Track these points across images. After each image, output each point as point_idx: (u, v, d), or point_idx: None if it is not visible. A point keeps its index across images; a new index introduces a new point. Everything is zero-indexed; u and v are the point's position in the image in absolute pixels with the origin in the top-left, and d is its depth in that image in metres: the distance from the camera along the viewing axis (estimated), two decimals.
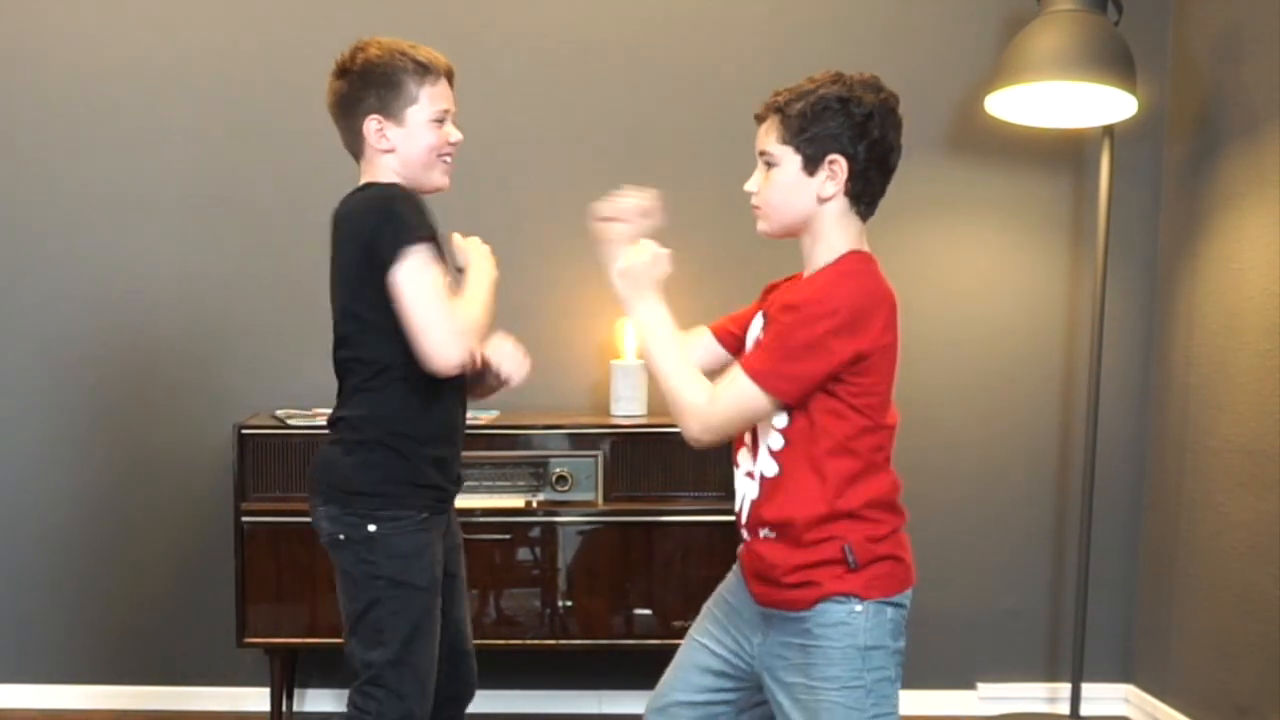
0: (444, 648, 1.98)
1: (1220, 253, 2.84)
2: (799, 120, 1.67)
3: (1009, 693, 3.19)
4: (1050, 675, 3.21)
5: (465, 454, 2.73)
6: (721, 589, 1.88)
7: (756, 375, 1.63)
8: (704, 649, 1.84)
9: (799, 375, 1.62)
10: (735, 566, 1.87)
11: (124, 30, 3.07)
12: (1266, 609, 2.62)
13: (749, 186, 1.76)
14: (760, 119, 1.75)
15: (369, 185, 1.90)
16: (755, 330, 1.82)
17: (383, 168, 1.90)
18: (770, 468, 1.72)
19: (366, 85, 1.87)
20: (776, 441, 1.71)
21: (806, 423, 1.67)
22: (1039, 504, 3.19)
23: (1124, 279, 3.11)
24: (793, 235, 1.74)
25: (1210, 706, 2.84)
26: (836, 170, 1.67)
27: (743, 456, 1.78)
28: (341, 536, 1.88)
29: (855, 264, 1.69)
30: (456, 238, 1.99)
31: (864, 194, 1.70)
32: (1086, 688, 2.99)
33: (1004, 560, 3.18)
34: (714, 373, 1.85)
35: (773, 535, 1.71)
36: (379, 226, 1.79)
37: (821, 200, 1.68)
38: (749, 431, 1.75)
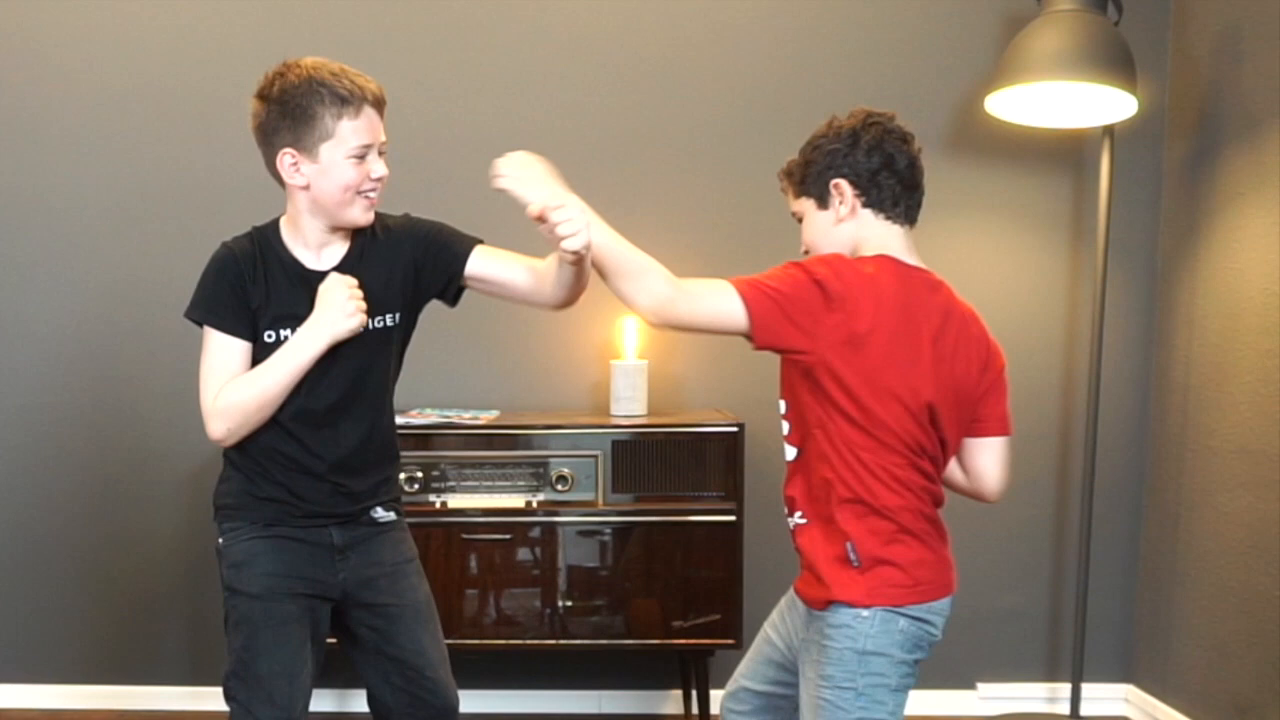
0: (396, 676, 1.95)
1: (1220, 253, 2.84)
2: (800, 171, 1.81)
3: (1009, 693, 3.19)
4: (1050, 675, 3.21)
5: (466, 454, 2.76)
6: (794, 583, 1.88)
7: (740, 284, 1.65)
8: (769, 640, 1.89)
9: (774, 304, 1.63)
10: None
11: (123, 32, 3.08)
12: (1266, 609, 2.62)
13: (802, 248, 1.84)
14: (783, 190, 1.88)
15: (248, 233, 1.93)
16: None
17: (296, 201, 1.86)
18: (789, 451, 1.78)
19: (282, 115, 1.77)
20: (784, 426, 1.78)
21: (798, 411, 1.72)
22: (1039, 504, 3.19)
23: (1124, 279, 3.11)
24: None
25: (1210, 706, 2.84)
26: (842, 190, 1.76)
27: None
28: (215, 551, 1.96)
29: (871, 259, 1.73)
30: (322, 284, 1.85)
31: (885, 199, 1.76)
32: (1086, 688, 2.99)
33: (1004, 560, 3.18)
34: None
35: (802, 520, 1.75)
36: (198, 283, 1.87)
37: (841, 221, 1.77)
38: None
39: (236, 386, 1.82)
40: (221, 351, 1.83)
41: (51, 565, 3.16)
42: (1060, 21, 2.68)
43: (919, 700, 3.06)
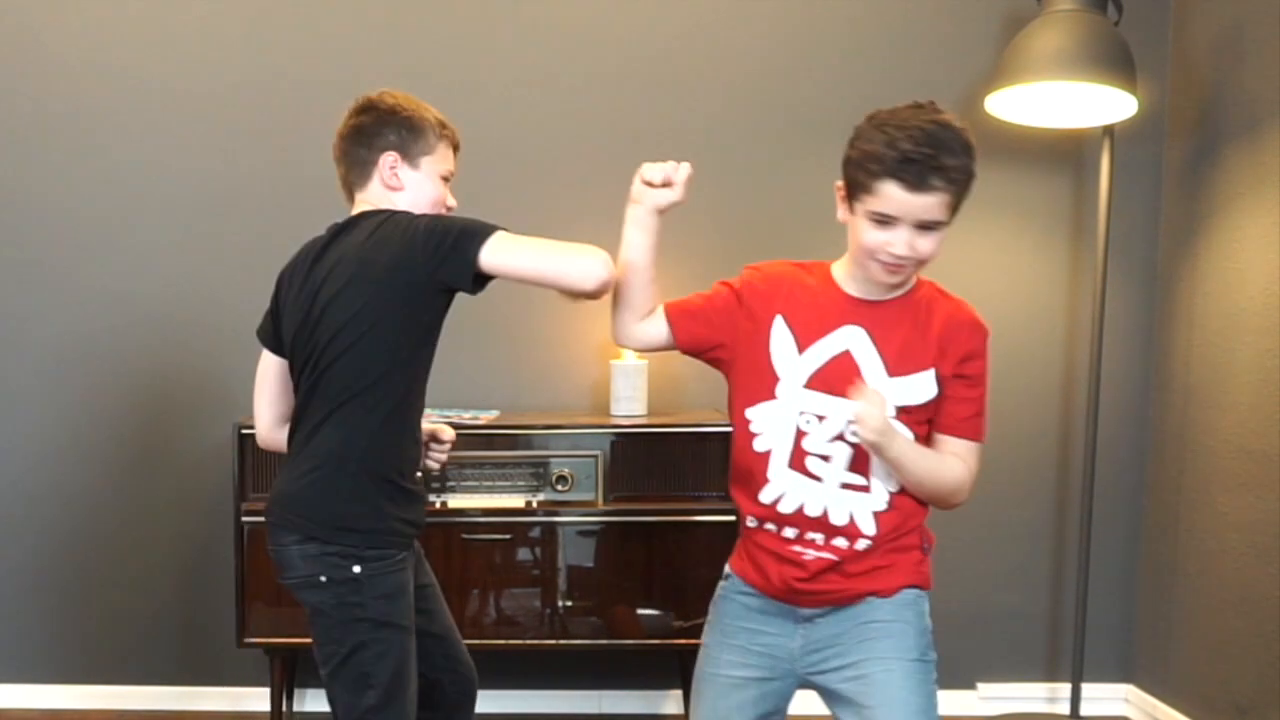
0: (440, 657, 1.99)
1: (1220, 253, 2.84)
2: (968, 185, 1.70)
3: (1009, 693, 3.19)
4: (1050, 675, 3.21)
5: (465, 454, 2.77)
6: (720, 620, 1.88)
7: (982, 435, 1.83)
8: (735, 682, 1.84)
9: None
10: (730, 591, 1.89)
11: (127, 37, 3.07)
12: (1266, 609, 2.62)
13: (902, 250, 1.72)
14: (932, 188, 1.69)
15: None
16: (783, 342, 1.77)
17: (384, 206, 1.89)
18: (894, 483, 1.77)
19: (390, 124, 1.90)
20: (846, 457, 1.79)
21: (921, 442, 1.78)
22: (1039, 504, 3.19)
23: (1124, 279, 3.11)
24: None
25: (1210, 706, 2.84)
26: (837, 194, 1.76)
27: (828, 468, 1.75)
28: (323, 578, 1.80)
29: (944, 289, 1.83)
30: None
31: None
32: (1086, 688, 2.99)
33: (1004, 560, 3.18)
34: (644, 347, 1.88)
35: (891, 543, 1.78)
36: (447, 229, 1.76)
37: (842, 221, 1.76)
38: (836, 439, 1.76)
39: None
40: None
41: (52, 565, 3.16)
42: (1060, 21, 2.68)
43: None
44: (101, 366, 3.12)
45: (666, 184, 1.79)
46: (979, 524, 3.11)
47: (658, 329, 1.83)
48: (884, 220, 1.67)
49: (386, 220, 1.81)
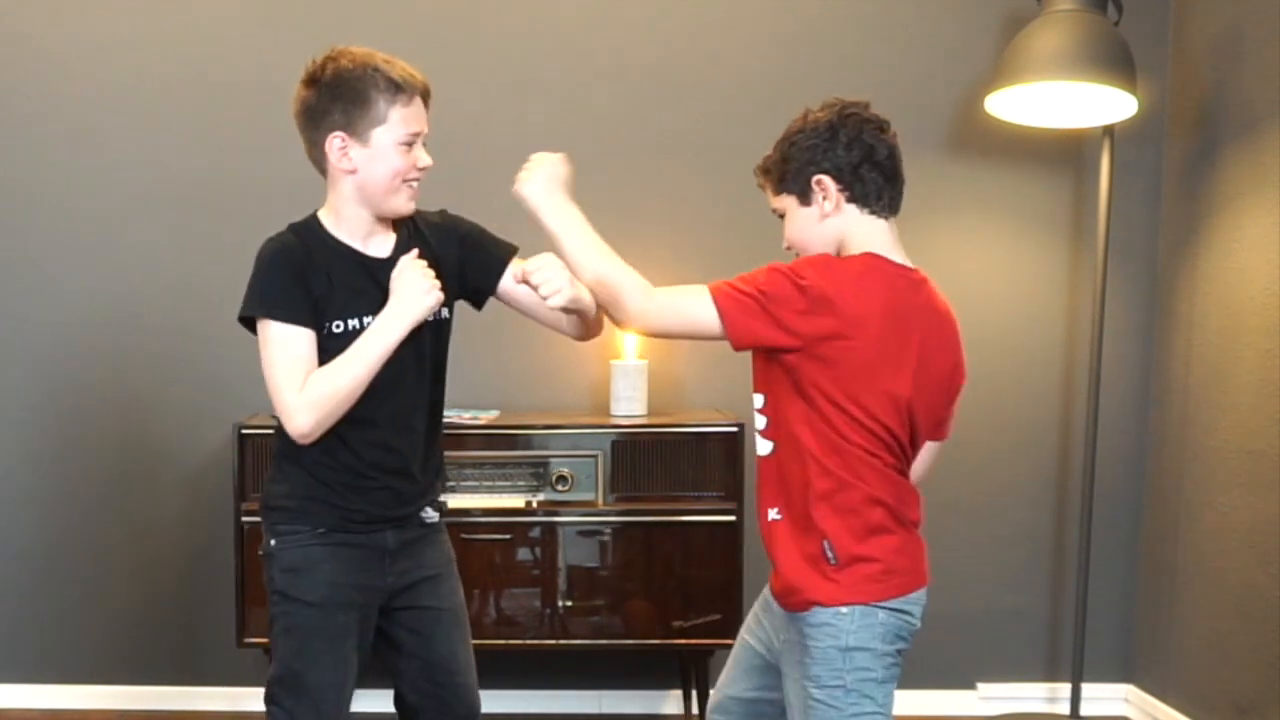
0: (426, 681, 1.94)
1: (1220, 253, 2.84)
2: (778, 168, 1.77)
3: (1009, 693, 3.19)
4: (1050, 675, 3.21)
5: (466, 454, 2.76)
6: (767, 586, 1.89)
7: (715, 290, 1.66)
8: (748, 646, 1.88)
9: (749, 308, 1.63)
10: None
11: (124, 36, 3.07)
12: (1266, 609, 2.62)
13: (785, 245, 1.81)
14: (761, 187, 1.84)
15: (291, 227, 1.88)
16: None
17: (341, 189, 1.82)
18: (763, 447, 1.76)
19: (334, 98, 1.76)
20: (760, 420, 1.76)
21: (776, 407, 1.71)
22: (1039, 504, 3.19)
23: (1124, 279, 3.11)
24: None
25: (1210, 706, 2.84)
26: (825, 186, 1.72)
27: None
28: (260, 552, 1.89)
29: (860, 260, 1.70)
30: (395, 268, 1.83)
31: (869, 193, 1.72)
32: (1086, 688, 2.99)
33: (1004, 560, 3.18)
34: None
35: (778, 515, 1.74)
36: (250, 280, 1.80)
37: (826, 217, 1.73)
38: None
39: (324, 376, 1.74)
40: (291, 344, 1.75)
41: (52, 566, 3.15)
42: (1060, 21, 2.68)
43: (919, 700, 3.07)
44: (101, 367, 3.12)
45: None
46: (979, 524, 3.12)
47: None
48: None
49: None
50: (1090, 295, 2.94)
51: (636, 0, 3.10)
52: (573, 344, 3.12)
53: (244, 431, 2.77)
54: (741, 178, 3.29)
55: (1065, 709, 3.03)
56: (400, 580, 1.90)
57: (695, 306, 1.65)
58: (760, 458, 1.77)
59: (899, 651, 1.72)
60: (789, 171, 1.74)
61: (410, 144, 1.80)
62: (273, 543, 1.86)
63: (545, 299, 1.74)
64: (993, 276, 3.14)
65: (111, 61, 3.08)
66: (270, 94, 3.07)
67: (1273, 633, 2.59)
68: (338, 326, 1.79)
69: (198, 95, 3.08)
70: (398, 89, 1.77)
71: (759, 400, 1.75)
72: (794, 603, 1.71)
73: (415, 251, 1.82)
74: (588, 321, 1.92)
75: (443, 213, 1.97)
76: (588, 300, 1.79)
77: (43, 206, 3.10)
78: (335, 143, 1.78)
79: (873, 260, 1.70)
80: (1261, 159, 2.68)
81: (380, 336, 1.75)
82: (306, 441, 1.76)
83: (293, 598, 1.83)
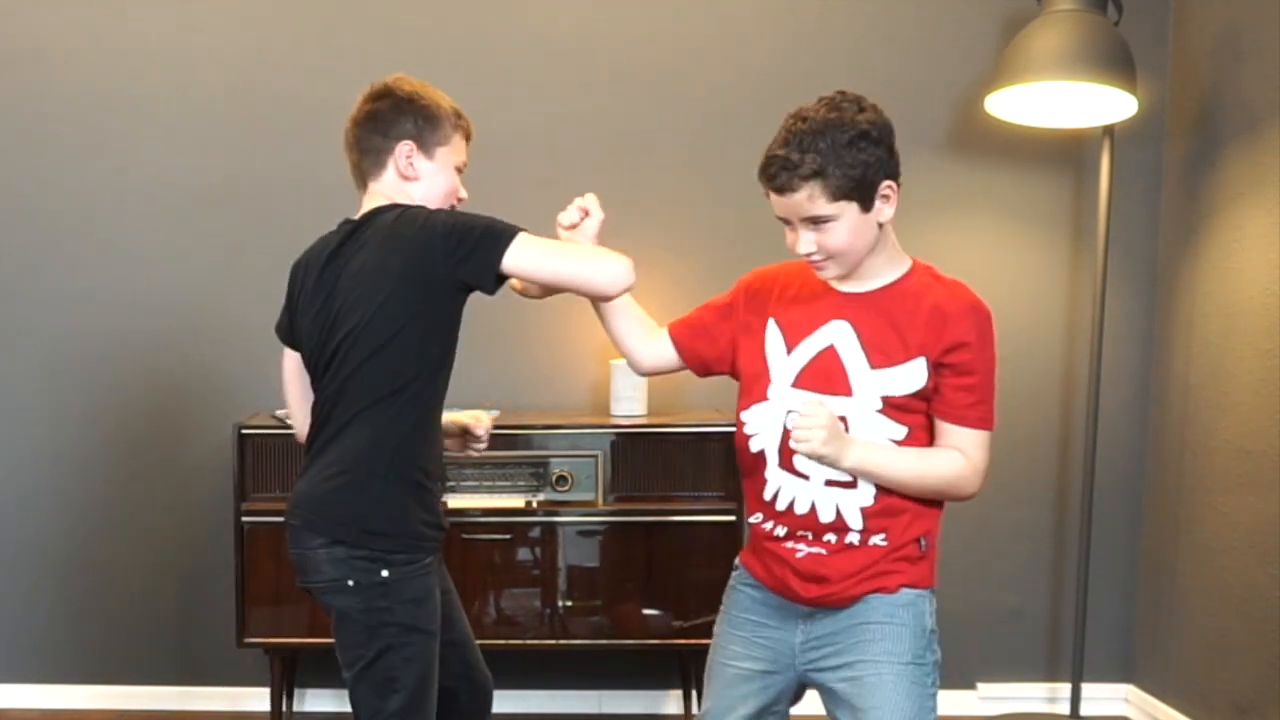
0: (458, 665, 1.97)
1: (1220, 253, 2.84)
2: (846, 175, 1.66)
3: (1009, 693, 3.19)
4: (1050, 675, 3.21)
5: (466, 454, 2.76)
6: (729, 611, 1.90)
7: (988, 422, 1.77)
8: (740, 673, 1.86)
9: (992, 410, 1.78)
10: (739, 583, 1.90)
11: (125, 43, 3.08)
12: (1266, 609, 2.62)
13: (804, 250, 1.73)
14: (790, 189, 1.68)
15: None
16: (774, 343, 1.80)
17: (399, 197, 1.86)
18: (826, 473, 1.76)
19: (408, 112, 1.87)
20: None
21: (916, 434, 1.75)
22: (1039, 504, 3.19)
23: (1124, 279, 3.11)
24: None
25: (1210, 706, 2.84)
26: (889, 194, 1.71)
27: (813, 465, 1.74)
28: (351, 583, 1.77)
29: (943, 274, 1.80)
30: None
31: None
32: (1086, 688, 2.99)
33: (1004, 560, 3.18)
34: (660, 371, 1.96)
35: (883, 540, 1.76)
36: (469, 227, 1.75)
37: (882, 224, 1.74)
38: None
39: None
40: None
41: (51, 566, 3.16)
42: (1060, 21, 2.68)
43: None
44: (101, 368, 3.12)
45: (585, 214, 1.87)
46: (979, 524, 3.11)
47: (665, 350, 1.93)
48: (785, 222, 1.74)
49: (401, 216, 1.78)
50: (1090, 295, 2.94)
51: (637, 1, 3.10)
52: (573, 344, 3.17)
53: (244, 432, 2.78)
54: (742, 179, 3.29)
55: (1065, 709, 3.03)
56: None
57: (989, 442, 1.77)
58: (880, 489, 1.76)
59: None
60: (855, 177, 1.65)
61: (460, 170, 1.94)
62: (385, 574, 1.77)
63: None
64: (993, 276, 3.13)
65: (112, 69, 3.08)
66: (271, 101, 3.08)
67: (1273, 633, 2.59)
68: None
69: (198, 102, 3.08)
70: (459, 118, 1.93)
71: (901, 432, 1.74)
72: (878, 586, 1.75)
73: None
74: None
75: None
76: None
77: (44, 211, 3.10)
78: (405, 149, 1.87)
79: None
80: (1261, 159, 2.68)
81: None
82: (628, 288, 1.78)
83: (418, 629, 1.80)
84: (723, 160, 3.08)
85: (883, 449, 1.71)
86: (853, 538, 1.74)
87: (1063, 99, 2.85)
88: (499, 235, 1.73)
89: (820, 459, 1.67)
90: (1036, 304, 3.14)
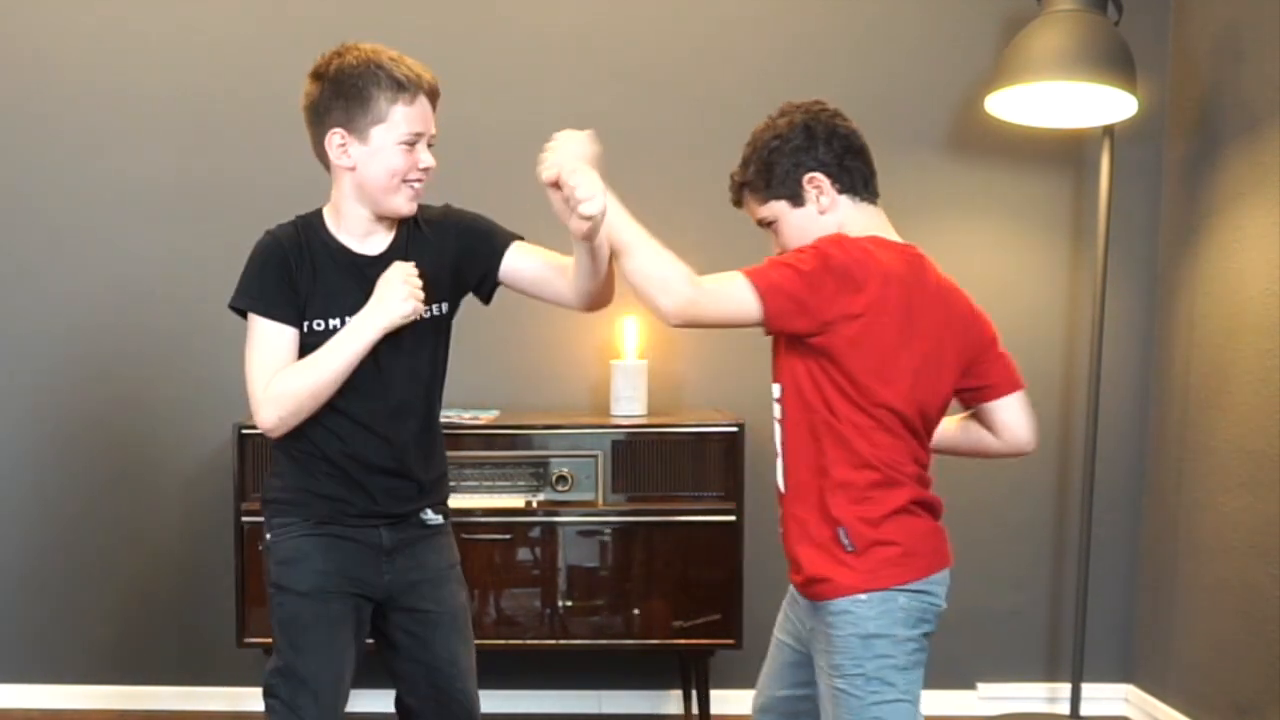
0: (425, 684, 1.93)
1: (1220, 253, 2.84)
2: (761, 177, 1.79)
3: (1009, 693, 3.19)
4: (1050, 675, 3.21)
5: (465, 454, 2.76)
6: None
7: (751, 274, 1.66)
8: (782, 645, 1.89)
9: (788, 289, 1.65)
10: None
11: (120, 42, 3.08)
12: (1266, 609, 2.62)
13: (775, 252, 1.81)
14: (737, 204, 1.87)
15: (292, 222, 1.90)
16: None
17: (341, 185, 1.83)
18: (780, 438, 1.77)
19: (336, 95, 1.77)
20: (777, 410, 1.77)
21: (795, 394, 1.72)
22: (1039, 504, 3.19)
23: (1124, 279, 3.11)
24: None
25: (1210, 706, 2.84)
26: (819, 182, 1.76)
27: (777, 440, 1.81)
28: (261, 546, 1.94)
29: (868, 240, 1.73)
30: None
31: (856, 183, 1.78)
32: (1086, 688, 2.99)
33: (1004, 560, 3.18)
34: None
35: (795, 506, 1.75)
36: (242, 271, 1.84)
37: (824, 212, 1.77)
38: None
39: (289, 374, 1.77)
40: (270, 339, 1.78)
41: (52, 566, 3.16)
42: (1060, 21, 2.68)
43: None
44: (101, 368, 3.12)
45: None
46: (979, 524, 3.11)
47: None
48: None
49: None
50: (1090, 295, 2.94)
51: (638, 2, 3.10)
52: (573, 344, 3.17)
53: (244, 431, 2.77)
54: None
55: (1065, 709, 3.03)
56: (399, 579, 1.89)
57: (738, 295, 1.66)
58: (781, 452, 1.78)
59: (924, 635, 1.73)
60: (775, 177, 1.77)
61: (412, 144, 1.78)
62: (268, 535, 1.88)
63: (579, 204, 1.62)
64: (993, 276, 3.13)
65: (107, 68, 3.08)
66: (267, 99, 3.08)
67: (1273, 633, 2.59)
68: (318, 325, 1.81)
69: (195, 101, 3.08)
70: (400, 87, 1.76)
71: (777, 390, 1.77)
72: (814, 592, 1.72)
73: (411, 265, 1.81)
74: (598, 273, 1.80)
75: (446, 207, 1.96)
76: (602, 240, 1.73)
77: (40, 210, 3.10)
78: (335, 139, 1.78)
79: (881, 241, 1.74)
80: (1261, 159, 2.68)
81: (350, 339, 1.77)
82: (274, 435, 1.81)
83: (285, 588, 1.84)
84: (723, 160, 3.06)
85: (623, 216, 1.73)
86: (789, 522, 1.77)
87: (1063, 99, 2.85)
88: (235, 296, 1.84)
89: (559, 184, 1.64)
90: (1036, 304, 3.14)
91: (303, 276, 1.81)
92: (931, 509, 1.76)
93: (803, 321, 1.66)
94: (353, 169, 1.79)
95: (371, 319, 1.77)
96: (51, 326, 3.12)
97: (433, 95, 1.82)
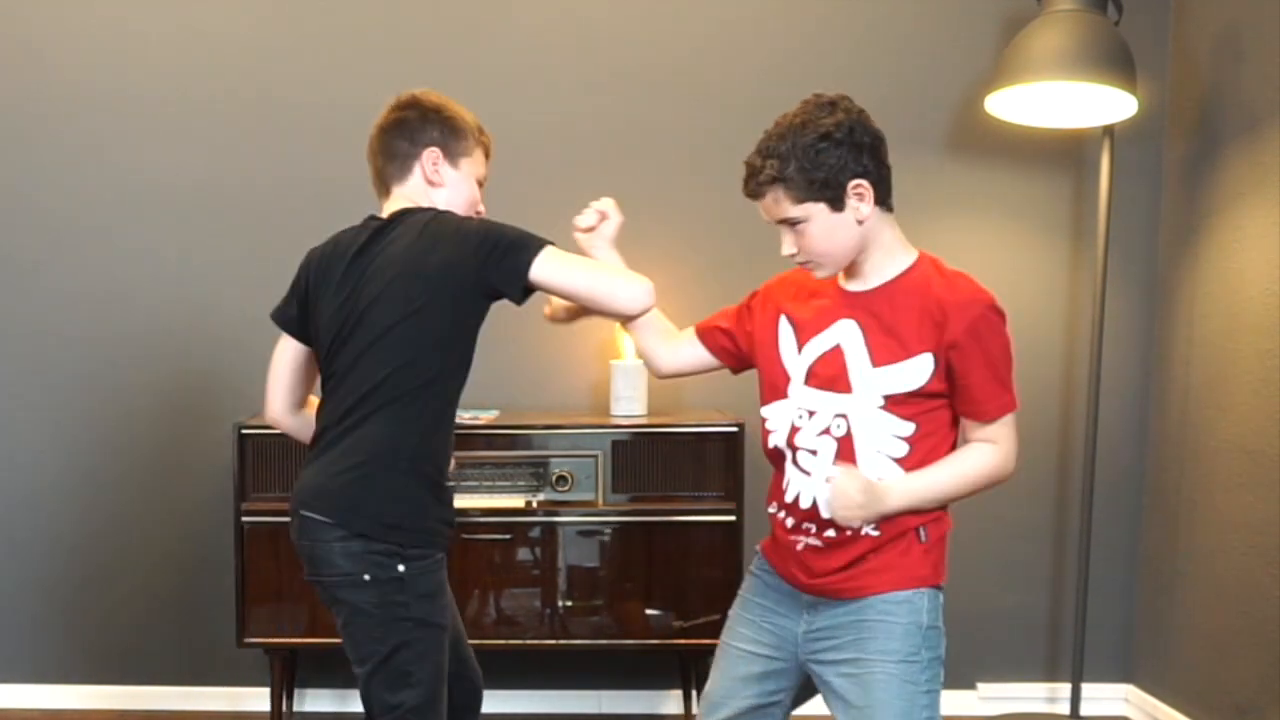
0: (452, 661, 1.97)
1: (1220, 253, 2.84)
2: (803, 177, 1.71)
3: (1009, 693, 3.19)
4: (1050, 675, 3.21)
5: (465, 454, 2.76)
6: (744, 594, 1.93)
7: (1008, 407, 1.76)
8: (746, 656, 1.88)
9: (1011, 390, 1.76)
10: (757, 568, 1.93)
11: (124, 42, 3.08)
12: (1266, 609, 2.62)
13: (786, 252, 1.79)
14: (758, 195, 1.77)
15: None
16: (787, 341, 1.84)
17: (424, 202, 1.91)
18: (890, 472, 1.76)
19: (434, 121, 1.92)
20: (899, 449, 1.75)
21: (927, 429, 1.75)
22: (1039, 504, 3.19)
23: (1124, 279, 3.11)
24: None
25: (1210, 706, 2.84)
26: (862, 192, 1.73)
27: (815, 461, 1.78)
28: (367, 577, 1.78)
29: (946, 266, 1.79)
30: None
31: (886, 191, 1.77)
32: (1086, 688, 2.99)
33: (1004, 560, 3.18)
34: (691, 373, 2.01)
35: (876, 532, 1.75)
36: (500, 237, 1.82)
37: (860, 222, 1.74)
38: (823, 434, 1.78)
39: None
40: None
41: (52, 566, 3.16)
42: (1060, 21, 2.68)
43: None
44: (101, 368, 3.12)
45: (603, 218, 1.94)
46: (979, 524, 3.11)
47: (689, 352, 1.98)
48: (779, 224, 1.78)
49: (435, 218, 1.83)
50: (1090, 295, 2.94)
51: (638, 2, 3.10)
52: (573, 344, 3.16)
53: (244, 431, 2.77)
54: (741, 179, 3.29)
55: (1065, 709, 3.03)
56: None
57: (1015, 425, 1.79)
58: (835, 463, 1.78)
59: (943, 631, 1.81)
60: (820, 179, 1.70)
61: (481, 183, 1.99)
62: (401, 569, 1.78)
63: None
64: (993, 276, 3.08)
65: (111, 68, 3.08)
66: (270, 101, 3.08)
67: (1273, 633, 2.59)
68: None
69: (198, 102, 3.08)
70: (480, 133, 1.99)
71: (908, 429, 1.75)
72: (868, 583, 1.75)
73: None
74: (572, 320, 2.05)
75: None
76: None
77: (42, 210, 3.10)
78: (431, 155, 1.92)
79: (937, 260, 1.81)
80: (1261, 159, 2.68)
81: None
82: (648, 307, 1.84)
83: (431, 624, 1.82)
84: (723, 160, 3.05)
85: (918, 479, 1.74)
86: (849, 530, 1.76)
87: (1063, 99, 2.85)
88: (528, 245, 1.80)
89: (868, 521, 1.73)
90: (1036, 304, 3.14)
91: None
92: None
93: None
94: (441, 186, 1.93)
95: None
96: (51, 326, 3.12)
97: (489, 153, 2.03)
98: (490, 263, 1.77)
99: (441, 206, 1.90)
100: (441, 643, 1.84)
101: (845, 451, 1.74)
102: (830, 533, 1.77)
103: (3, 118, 3.09)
